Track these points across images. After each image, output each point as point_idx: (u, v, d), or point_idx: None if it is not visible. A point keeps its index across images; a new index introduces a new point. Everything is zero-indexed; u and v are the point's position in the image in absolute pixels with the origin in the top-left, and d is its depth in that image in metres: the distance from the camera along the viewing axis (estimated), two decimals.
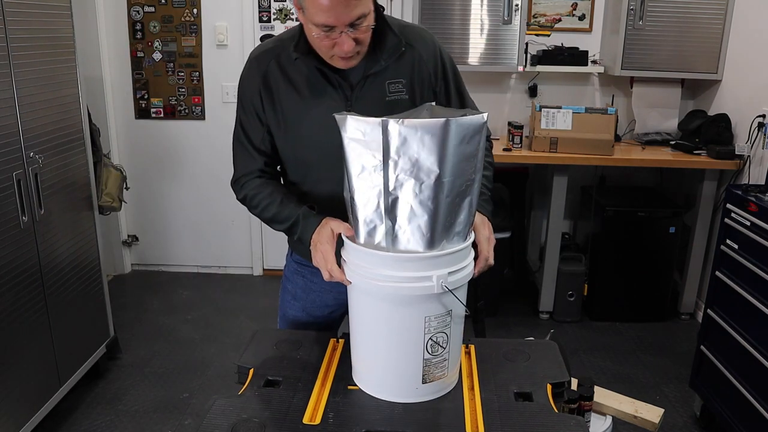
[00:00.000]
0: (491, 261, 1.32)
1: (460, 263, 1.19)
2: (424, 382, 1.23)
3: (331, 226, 1.29)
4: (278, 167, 1.54)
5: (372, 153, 1.13)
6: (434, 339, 1.20)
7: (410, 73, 1.42)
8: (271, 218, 1.45)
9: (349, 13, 1.21)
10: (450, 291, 1.15)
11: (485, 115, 1.15)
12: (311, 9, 1.23)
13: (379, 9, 1.33)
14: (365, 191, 1.16)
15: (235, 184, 1.52)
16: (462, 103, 1.53)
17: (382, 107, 1.36)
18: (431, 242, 1.15)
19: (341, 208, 1.27)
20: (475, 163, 1.16)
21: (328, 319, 1.69)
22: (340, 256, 1.26)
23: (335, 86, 1.38)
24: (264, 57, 1.42)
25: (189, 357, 3.11)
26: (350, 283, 1.23)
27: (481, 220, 1.33)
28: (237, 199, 1.53)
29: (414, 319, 1.18)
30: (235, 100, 1.51)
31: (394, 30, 1.38)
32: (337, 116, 1.16)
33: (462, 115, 1.11)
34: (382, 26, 1.36)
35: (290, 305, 1.70)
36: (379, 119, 1.11)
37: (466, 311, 1.22)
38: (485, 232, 1.33)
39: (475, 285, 1.76)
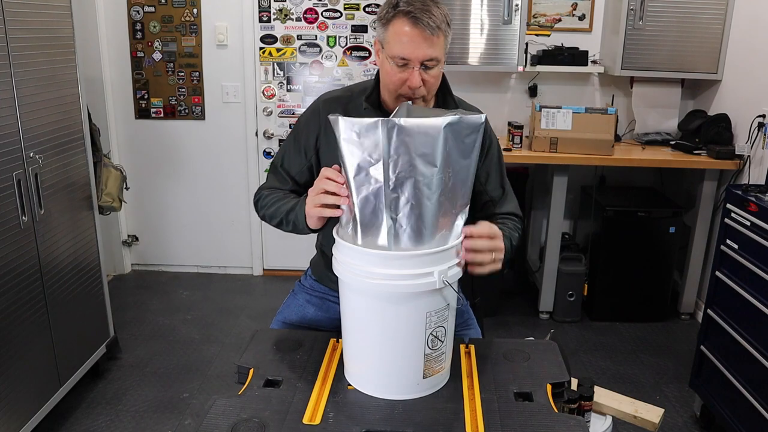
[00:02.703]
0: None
1: (456, 258, 1.22)
2: (424, 377, 1.24)
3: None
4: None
5: (367, 153, 1.13)
6: (434, 334, 1.21)
7: None
8: (275, 210, 1.50)
9: (425, 50, 1.37)
10: (449, 285, 1.17)
11: (483, 116, 1.17)
12: (392, 41, 1.38)
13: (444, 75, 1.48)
14: (363, 192, 1.16)
15: (258, 191, 1.60)
16: (502, 182, 1.60)
17: None
18: (431, 239, 1.16)
19: None
20: (470, 161, 1.18)
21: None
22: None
23: None
24: (333, 104, 1.54)
25: (189, 357, 3.11)
26: (343, 183, 1.21)
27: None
28: (253, 202, 1.61)
29: (417, 316, 1.19)
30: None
31: (453, 98, 1.55)
32: (331, 117, 1.17)
33: (456, 114, 1.13)
34: (445, 92, 1.53)
35: (304, 306, 1.73)
36: (373, 119, 1.11)
37: (459, 304, 1.24)
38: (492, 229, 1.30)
39: (471, 282, 1.77)
